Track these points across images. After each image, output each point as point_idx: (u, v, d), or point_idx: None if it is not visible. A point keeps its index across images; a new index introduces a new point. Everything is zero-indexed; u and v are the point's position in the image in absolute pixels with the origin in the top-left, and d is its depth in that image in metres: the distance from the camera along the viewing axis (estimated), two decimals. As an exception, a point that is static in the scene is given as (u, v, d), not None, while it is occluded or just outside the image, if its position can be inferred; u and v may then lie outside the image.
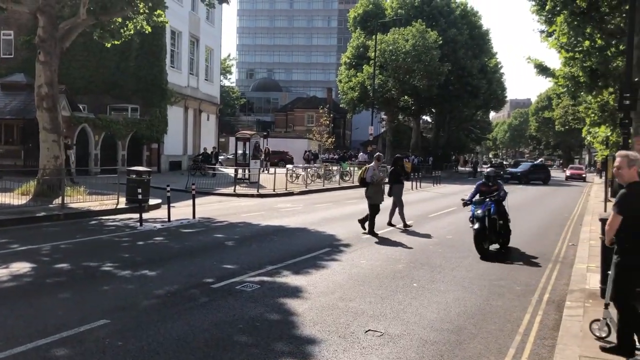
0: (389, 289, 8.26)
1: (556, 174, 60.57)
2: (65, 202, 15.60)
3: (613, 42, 16.04)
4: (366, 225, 13.57)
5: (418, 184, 32.63)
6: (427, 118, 70.82)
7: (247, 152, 29.62)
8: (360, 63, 52.02)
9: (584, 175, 52.51)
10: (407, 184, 32.66)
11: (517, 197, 26.37)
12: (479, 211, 11.21)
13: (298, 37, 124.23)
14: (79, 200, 16.48)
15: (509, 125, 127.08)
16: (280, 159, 49.03)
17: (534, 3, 16.93)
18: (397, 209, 15.21)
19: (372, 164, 14.12)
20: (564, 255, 11.74)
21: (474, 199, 11.74)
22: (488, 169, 13.71)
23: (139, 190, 14.52)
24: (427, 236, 13.60)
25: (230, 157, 44.74)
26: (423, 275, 9.30)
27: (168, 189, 15.26)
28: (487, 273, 9.65)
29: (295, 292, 7.90)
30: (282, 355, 5.53)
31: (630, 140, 13.62)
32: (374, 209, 13.52)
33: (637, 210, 5.29)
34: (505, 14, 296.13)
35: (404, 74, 46.89)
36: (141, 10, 19.26)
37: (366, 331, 6.32)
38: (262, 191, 23.75)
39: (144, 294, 7.51)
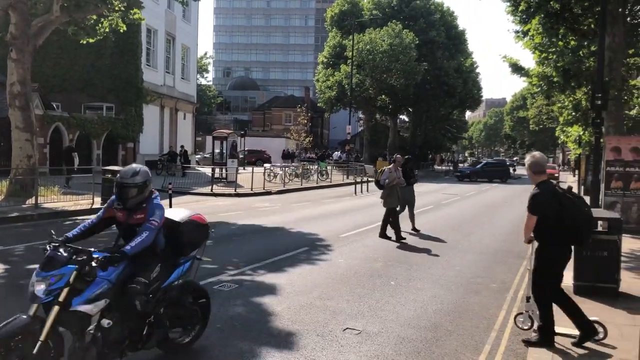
0: (367, 287, 8.31)
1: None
2: (38, 202, 15.36)
3: (585, 43, 16.34)
4: (388, 233, 12.83)
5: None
6: (404, 117, 71.22)
7: (225, 151, 29.48)
8: (338, 62, 52.13)
9: (556, 175, 47.25)
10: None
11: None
12: None
13: (275, 35, 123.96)
14: (53, 200, 16.23)
15: (484, 125, 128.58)
16: (258, 158, 48.88)
17: (508, 4, 17.14)
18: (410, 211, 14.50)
19: (390, 166, 13.55)
20: (538, 253, 11.92)
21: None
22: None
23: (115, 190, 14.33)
24: (404, 234, 13.69)
25: (207, 156, 44.48)
26: (400, 273, 9.37)
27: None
28: (464, 271, 9.76)
29: (273, 291, 7.90)
30: (260, 355, 5.53)
31: (602, 140, 13.89)
32: (389, 212, 12.90)
33: (548, 208, 5.62)
34: (481, 14, 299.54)
35: (381, 74, 47.13)
36: (116, 8, 19.03)
37: (344, 329, 6.36)
38: (239, 190, 23.66)
39: (120, 294, 7.42)
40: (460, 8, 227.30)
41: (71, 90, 32.13)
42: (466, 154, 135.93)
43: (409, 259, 10.66)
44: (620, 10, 14.92)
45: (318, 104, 61.49)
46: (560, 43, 15.81)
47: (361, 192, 26.84)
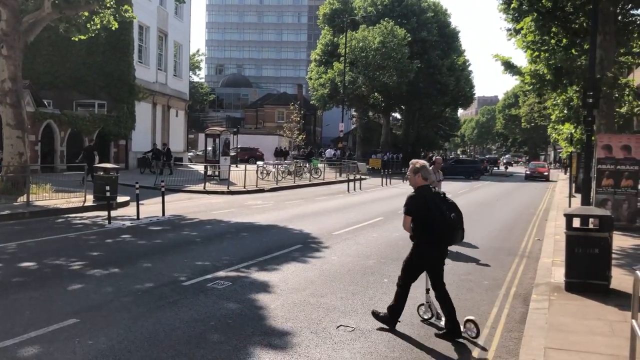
0: (360, 284, 8.34)
1: (520, 169, 61.48)
2: (30, 199, 15.29)
3: (577, 41, 16.43)
4: None
5: (388, 180, 32.91)
6: (397, 115, 71.32)
7: (217, 148, 29.41)
8: (330, 60, 52.13)
9: (546, 174, 45.45)
10: (377, 181, 33.11)
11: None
12: None
13: (268, 32, 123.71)
14: (44, 197, 16.16)
15: (476, 122, 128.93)
16: (250, 155, 48.81)
17: (501, 2, 17.20)
18: None
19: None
20: (530, 250, 12.01)
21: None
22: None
23: (107, 188, 14.30)
24: (397, 232, 13.72)
25: (200, 153, 44.37)
26: (393, 270, 9.38)
27: (137, 186, 15.07)
28: (456, 268, 9.81)
29: (267, 289, 7.91)
30: (254, 352, 5.54)
31: (593, 138, 13.97)
32: None
33: (422, 209, 6.11)
34: (474, 12, 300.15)
35: (374, 71, 47.15)
36: (108, 5, 18.93)
37: (338, 327, 6.38)
38: (232, 188, 23.64)
39: (113, 292, 7.42)
40: (453, 6, 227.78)
41: (62, 87, 31.95)
42: (458, 152, 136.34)
43: (401, 256, 10.61)
44: (611, 9, 15.01)
45: (311, 102, 61.46)
46: (552, 41, 15.89)
47: (354, 189, 26.89)
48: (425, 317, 6.74)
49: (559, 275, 8.62)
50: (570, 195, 20.99)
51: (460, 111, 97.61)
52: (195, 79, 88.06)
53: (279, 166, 30.71)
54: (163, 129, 38.98)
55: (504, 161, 78.55)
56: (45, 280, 7.99)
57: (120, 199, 17.14)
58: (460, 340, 6.06)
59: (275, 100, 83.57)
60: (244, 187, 24.01)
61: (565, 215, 8.03)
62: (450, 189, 29.81)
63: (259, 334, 6.03)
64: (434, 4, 57.65)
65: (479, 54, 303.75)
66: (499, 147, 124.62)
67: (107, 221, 13.43)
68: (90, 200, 16.37)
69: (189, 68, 49.89)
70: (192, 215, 15.60)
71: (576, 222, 8.04)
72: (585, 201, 13.12)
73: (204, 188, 23.19)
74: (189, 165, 37.93)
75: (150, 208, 16.12)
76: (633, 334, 4.47)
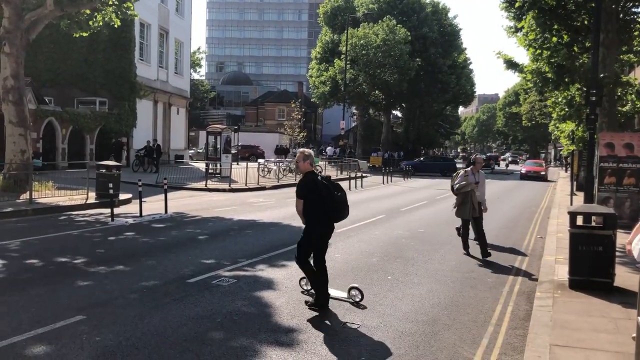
0: (364, 281, 8.36)
1: (517, 168, 61.24)
2: (33, 197, 15.30)
3: (579, 39, 16.44)
4: (472, 252, 10.96)
5: (389, 178, 32.92)
6: (398, 113, 71.33)
7: (219, 146, 29.40)
8: (331, 58, 52.09)
9: (543, 173, 41.09)
10: (378, 179, 33.10)
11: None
12: None
13: (268, 30, 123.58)
14: (47, 195, 16.19)
15: (477, 120, 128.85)
16: (251, 153, 48.80)
17: (503, 0, 17.23)
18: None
19: (468, 169, 11.13)
20: (533, 248, 12.04)
21: None
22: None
23: (110, 185, 14.31)
24: (400, 230, 13.76)
25: (200, 151, 44.36)
26: (397, 268, 9.43)
27: (140, 183, 15.09)
28: (460, 265, 9.84)
29: (272, 286, 7.94)
30: (261, 349, 5.56)
31: (595, 136, 13.99)
32: (463, 224, 11.08)
33: (311, 192, 6.63)
34: (475, 10, 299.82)
35: (374, 69, 47.13)
36: (110, 2, 18.93)
37: (343, 324, 6.40)
38: (233, 186, 23.65)
39: (119, 289, 7.45)
40: (454, 5, 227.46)
41: (64, 84, 31.94)
42: (459, 150, 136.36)
43: (404, 254, 10.72)
44: (613, 6, 15.03)
45: (311, 99, 61.45)
46: (554, 39, 15.90)
47: (355, 187, 26.92)
48: (307, 288, 7.41)
49: (562, 272, 8.65)
50: (572, 194, 21.00)
51: (460, 109, 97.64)
52: (196, 76, 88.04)
53: (280, 164, 30.71)
54: (164, 126, 39.00)
55: (509, 159, 78.55)
56: (50, 277, 8.02)
57: (122, 196, 17.16)
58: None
59: (275, 98, 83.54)
60: (246, 185, 24.02)
61: (569, 213, 8.05)
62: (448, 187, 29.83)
63: (265, 331, 6.06)
64: (435, 2, 57.58)
65: (479, 52, 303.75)
66: (500, 145, 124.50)
67: (110, 218, 13.45)
68: (92, 197, 16.39)
69: (190, 65, 49.87)
70: (195, 212, 15.62)
71: (579, 220, 8.05)
72: (588, 199, 13.15)
73: (206, 185, 23.21)
74: (190, 163, 37.95)
75: (153, 205, 16.14)
76: (639, 330, 4.50)
